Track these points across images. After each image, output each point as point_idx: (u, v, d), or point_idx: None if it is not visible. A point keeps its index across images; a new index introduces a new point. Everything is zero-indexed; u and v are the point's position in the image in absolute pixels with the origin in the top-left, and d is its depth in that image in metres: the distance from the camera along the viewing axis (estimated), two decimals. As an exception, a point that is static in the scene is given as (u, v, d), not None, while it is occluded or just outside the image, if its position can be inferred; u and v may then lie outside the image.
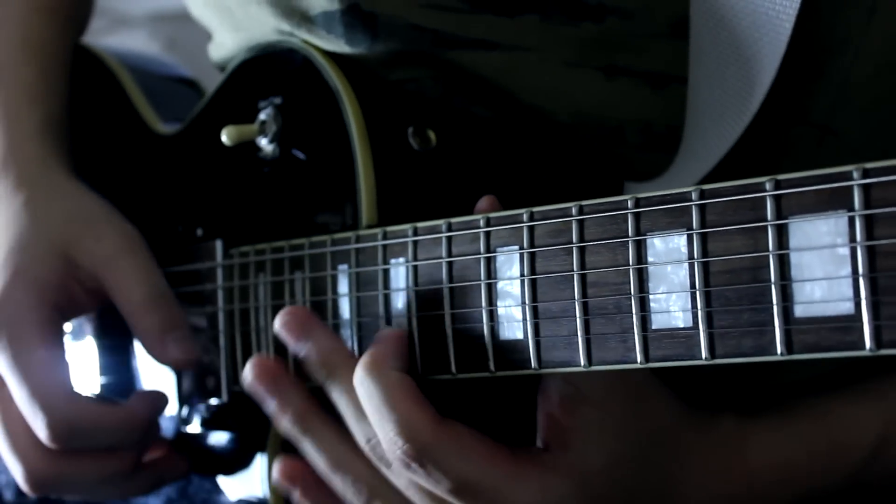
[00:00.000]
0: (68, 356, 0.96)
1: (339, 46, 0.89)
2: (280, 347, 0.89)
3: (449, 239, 0.76)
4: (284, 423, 0.84)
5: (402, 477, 0.78)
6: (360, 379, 0.76)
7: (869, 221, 0.57)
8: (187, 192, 1.02)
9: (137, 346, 1.00)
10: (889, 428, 0.84)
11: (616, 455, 0.76)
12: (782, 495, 0.84)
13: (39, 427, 0.92)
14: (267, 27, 0.94)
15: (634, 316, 0.66)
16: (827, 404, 0.85)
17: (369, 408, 0.75)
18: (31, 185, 1.01)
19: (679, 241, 0.64)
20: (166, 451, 1.02)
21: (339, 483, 0.83)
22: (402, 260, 0.79)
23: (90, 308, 0.99)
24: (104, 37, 1.18)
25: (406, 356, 0.78)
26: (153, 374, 1.04)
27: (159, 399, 0.98)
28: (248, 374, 0.85)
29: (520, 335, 0.72)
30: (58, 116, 1.07)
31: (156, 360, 0.96)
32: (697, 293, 0.63)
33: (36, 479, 0.96)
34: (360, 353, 0.82)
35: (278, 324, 0.83)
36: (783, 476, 0.83)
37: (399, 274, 0.79)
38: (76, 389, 0.95)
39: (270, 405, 0.85)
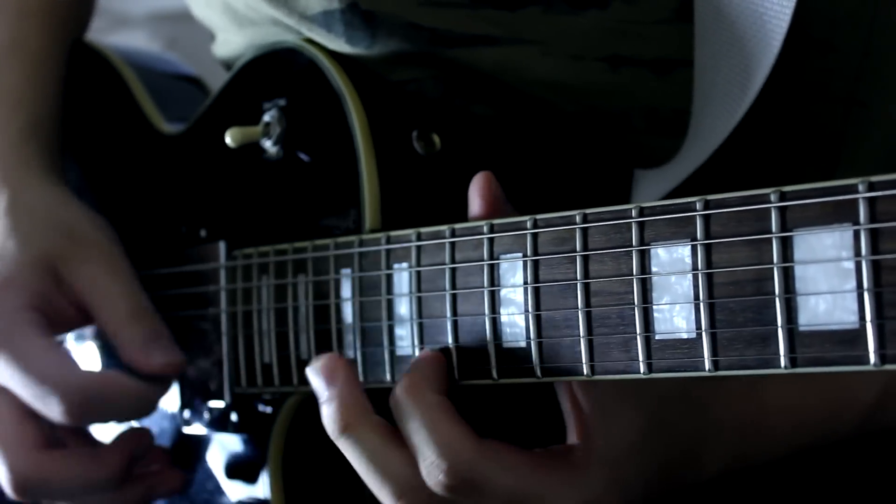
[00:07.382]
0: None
1: (340, 46, 0.88)
2: (282, 349, 0.89)
3: (452, 245, 0.76)
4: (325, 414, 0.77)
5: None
6: (398, 402, 0.74)
7: (874, 235, 0.57)
8: (191, 192, 1.02)
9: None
10: (892, 381, 0.84)
11: (638, 426, 0.76)
12: (796, 441, 0.83)
13: (53, 407, 0.92)
14: (270, 23, 0.94)
15: (638, 326, 0.66)
16: None
17: (408, 430, 0.73)
18: (12, 190, 1.01)
19: (683, 252, 0.64)
20: (161, 465, 1.02)
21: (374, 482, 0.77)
22: (405, 265, 0.79)
23: (77, 324, 1.00)
24: (104, 37, 1.18)
25: (444, 378, 0.75)
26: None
27: (171, 374, 0.98)
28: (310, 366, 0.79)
29: (523, 343, 0.72)
30: (45, 121, 1.07)
31: (140, 371, 0.96)
32: (701, 304, 0.63)
33: (21, 480, 0.96)
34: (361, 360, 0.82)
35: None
36: (797, 420, 0.83)
37: (402, 279, 0.79)
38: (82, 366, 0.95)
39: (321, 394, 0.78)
